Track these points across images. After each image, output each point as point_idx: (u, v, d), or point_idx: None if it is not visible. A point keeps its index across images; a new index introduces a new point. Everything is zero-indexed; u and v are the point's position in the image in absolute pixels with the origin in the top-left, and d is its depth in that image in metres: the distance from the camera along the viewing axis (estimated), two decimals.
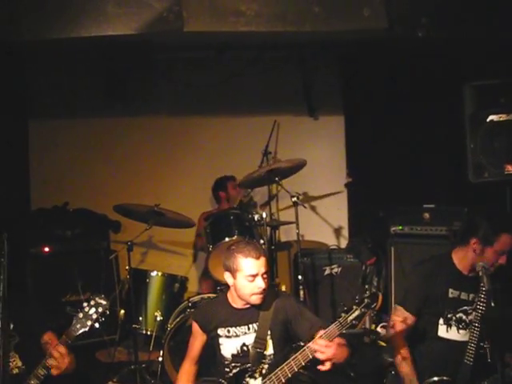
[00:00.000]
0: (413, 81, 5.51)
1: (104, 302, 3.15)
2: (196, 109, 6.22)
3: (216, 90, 6.09)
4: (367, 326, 5.42)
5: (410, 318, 3.42)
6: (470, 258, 3.40)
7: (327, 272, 5.61)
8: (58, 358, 3.06)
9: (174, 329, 4.39)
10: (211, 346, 3.40)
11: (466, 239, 3.42)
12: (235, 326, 3.28)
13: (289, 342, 3.32)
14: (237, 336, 3.28)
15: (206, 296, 4.63)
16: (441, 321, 3.43)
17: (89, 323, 3.11)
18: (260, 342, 3.22)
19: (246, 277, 3.15)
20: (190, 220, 5.02)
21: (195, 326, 3.41)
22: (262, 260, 3.17)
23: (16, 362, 3.28)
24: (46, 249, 5.24)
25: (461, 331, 3.41)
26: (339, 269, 5.60)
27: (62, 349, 3.07)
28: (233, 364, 3.27)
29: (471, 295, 3.40)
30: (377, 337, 5.38)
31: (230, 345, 3.29)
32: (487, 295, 3.16)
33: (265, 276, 3.18)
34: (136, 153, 6.20)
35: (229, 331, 3.29)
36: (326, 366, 2.96)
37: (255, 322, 3.26)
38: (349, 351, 3.07)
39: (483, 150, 4.36)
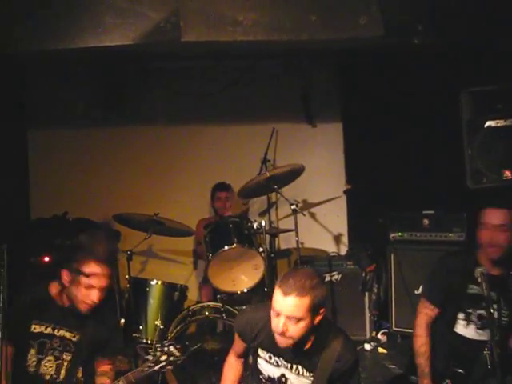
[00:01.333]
0: (410, 88, 5.53)
1: (178, 355, 3.17)
2: (194, 118, 6.24)
3: (214, 98, 6.11)
4: (368, 329, 5.43)
5: (433, 310, 3.46)
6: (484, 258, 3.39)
7: (327, 279, 5.60)
8: None
9: (174, 337, 4.39)
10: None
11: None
12: (278, 357, 2.91)
13: None
14: (277, 366, 2.93)
15: (205, 305, 4.64)
16: (460, 315, 3.42)
17: (156, 368, 3.14)
18: None
19: (272, 308, 2.76)
20: (189, 228, 5.02)
21: (236, 335, 3.10)
22: (291, 300, 2.66)
23: (78, 373, 3.27)
24: (46, 258, 5.23)
25: (479, 331, 3.38)
26: (339, 276, 5.60)
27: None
28: (269, 383, 2.99)
29: (493, 293, 3.25)
30: (377, 344, 5.39)
31: (267, 368, 2.97)
32: (487, 302, 3.15)
33: (290, 323, 2.69)
34: (135, 162, 6.21)
35: (270, 357, 2.95)
36: None
37: (301, 365, 2.86)
38: None
39: (481, 155, 4.37)
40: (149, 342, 4.60)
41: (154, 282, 4.76)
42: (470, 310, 3.40)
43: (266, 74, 6.15)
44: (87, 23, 4.11)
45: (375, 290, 5.58)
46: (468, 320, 3.41)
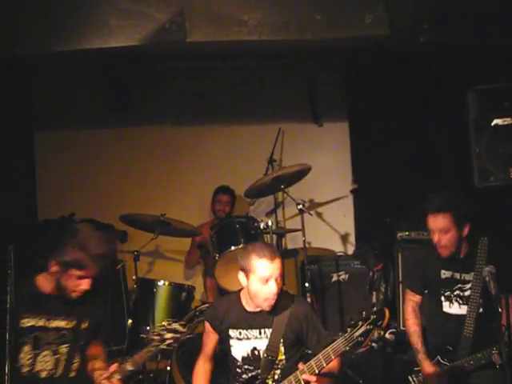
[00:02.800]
0: (416, 86, 5.51)
1: (183, 330, 3.20)
2: (200, 118, 6.24)
3: (220, 99, 6.11)
4: (375, 333, 5.40)
5: (414, 296, 3.85)
6: None
7: (334, 279, 5.60)
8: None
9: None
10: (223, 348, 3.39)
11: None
12: (247, 329, 3.25)
13: (300, 347, 3.29)
14: (248, 339, 3.24)
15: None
16: (442, 298, 3.71)
17: (162, 346, 3.15)
18: (272, 349, 3.20)
19: (259, 279, 3.10)
20: (195, 229, 5.04)
21: (207, 325, 3.40)
22: (277, 262, 3.12)
23: (77, 364, 3.27)
24: None
25: (462, 306, 3.64)
26: (346, 275, 5.59)
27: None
28: (245, 366, 3.26)
29: (463, 275, 3.64)
30: (385, 343, 5.37)
31: (240, 347, 3.27)
32: (494, 301, 3.16)
33: (279, 280, 3.14)
34: (141, 163, 6.22)
35: (240, 333, 3.25)
36: None
37: (268, 328, 3.21)
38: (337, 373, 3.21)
39: (488, 154, 4.35)
40: None
41: (161, 283, 4.77)
42: (447, 293, 3.69)
43: (272, 73, 6.15)
44: (93, 25, 4.14)
45: (382, 290, 5.55)
46: (450, 300, 3.68)
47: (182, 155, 6.31)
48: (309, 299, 4.81)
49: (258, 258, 3.11)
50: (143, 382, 4.48)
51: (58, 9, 4.13)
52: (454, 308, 3.67)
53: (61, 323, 3.21)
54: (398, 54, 5.29)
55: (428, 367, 3.59)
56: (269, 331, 3.21)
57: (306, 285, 4.87)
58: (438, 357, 3.59)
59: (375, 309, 3.14)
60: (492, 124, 4.34)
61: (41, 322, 3.18)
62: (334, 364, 3.12)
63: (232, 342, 3.28)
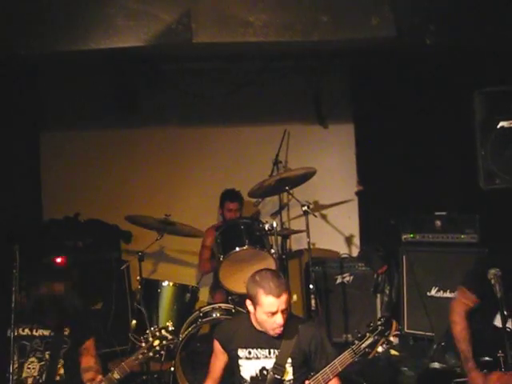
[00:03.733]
0: (422, 88, 5.50)
1: (170, 337, 3.21)
2: (206, 119, 6.24)
3: (226, 100, 6.10)
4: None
5: (471, 300, 3.50)
6: None
7: (339, 281, 5.60)
8: None
9: (185, 339, 4.40)
10: (230, 367, 3.40)
11: None
12: (256, 348, 3.28)
13: (309, 368, 3.30)
14: (257, 358, 3.27)
15: (217, 306, 4.64)
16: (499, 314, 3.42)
17: (150, 354, 3.14)
18: (279, 368, 3.22)
19: (265, 313, 3.15)
20: (199, 232, 5.05)
21: (216, 345, 3.41)
22: (284, 298, 3.15)
23: (59, 369, 3.28)
24: (58, 259, 5.25)
25: None
26: (351, 277, 5.58)
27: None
28: None
29: None
30: (389, 346, 5.35)
31: (249, 367, 3.29)
32: (500, 303, 3.14)
33: (284, 312, 3.17)
34: (146, 163, 6.22)
35: (250, 353, 3.28)
36: None
37: (277, 349, 3.25)
38: None
39: (494, 156, 4.33)
40: None
41: (165, 284, 4.76)
42: (507, 314, 3.37)
43: (278, 75, 6.13)
44: (99, 25, 4.14)
45: (387, 292, 5.55)
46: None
47: (187, 156, 6.31)
48: (313, 301, 4.81)
49: (264, 295, 3.14)
50: (147, 383, 4.48)
51: (64, 9, 4.14)
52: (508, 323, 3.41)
53: (45, 332, 3.26)
54: (404, 56, 5.28)
55: (477, 377, 3.33)
56: (278, 351, 3.25)
57: (311, 286, 4.86)
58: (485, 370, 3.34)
59: (382, 319, 3.11)
60: (498, 126, 4.33)
61: (26, 331, 3.23)
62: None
63: (241, 361, 3.30)
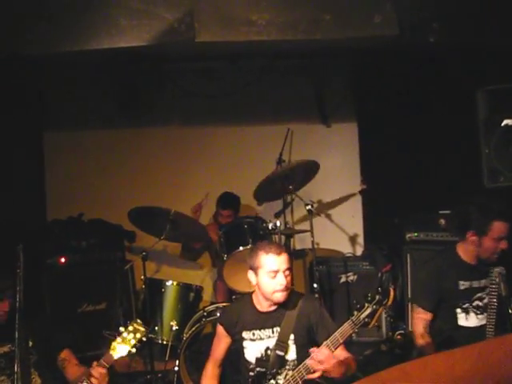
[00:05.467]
0: (425, 86, 5.49)
1: (142, 329, 3.18)
2: (209, 119, 6.24)
3: (229, 99, 6.11)
4: (384, 330, 5.39)
5: (426, 314, 3.61)
6: (471, 250, 3.54)
7: (343, 280, 5.59)
8: (100, 378, 3.08)
9: (189, 338, 4.41)
10: (235, 351, 3.42)
11: (462, 233, 3.58)
12: (260, 329, 3.31)
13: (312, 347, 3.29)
14: (261, 339, 3.30)
15: (221, 305, 4.64)
16: (458, 310, 3.57)
17: (126, 349, 3.13)
18: (281, 344, 3.25)
19: (268, 273, 3.20)
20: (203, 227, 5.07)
21: (220, 329, 3.44)
22: (284, 256, 3.23)
23: (36, 380, 3.28)
24: (62, 260, 5.26)
25: (479, 316, 3.54)
26: (355, 276, 5.58)
27: (103, 370, 3.09)
28: (257, 368, 3.29)
29: (482, 281, 3.55)
30: (394, 345, 5.35)
31: (254, 348, 3.32)
32: (505, 301, 3.15)
33: (287, 273, 3.23)
34: (149, 163, 6.23)
35: (253, 334, 3.32)
36: (315, 374, 3.04)
37: (279, 326, 3.28)
38: (351, 370, 3.17)
39: (498, 154, 4.33)
40: (164, 342, 4.61)
41: (169, 283, 4.77)
42: (465, 305, 3.56)
43: (281, 74, 6.14)
44: (102, 25, 4.15)
45: None
46: (466, 312, 3.56)
47: (191, 156, 6.31)
48: None
49: (265, 254, 3.24)
50: (151, 383, 4.48)
51: (67, 9, 4.15)
52: (471, 320, 3.56)
53: (4, 349, 3.24)
54: (407, 54, 5.27)
55: None
56: (279, 328, 3.28)
57: (315, 286, 4.86)
58: None
59: (379, 289, 3.13)
60: (502, 124, 4.32)
61: None
62: (351, 362, 3.19)
63: (245, 343, 3.33)
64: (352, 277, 5.58)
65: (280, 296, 3.22)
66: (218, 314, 4.43)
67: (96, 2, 4.14)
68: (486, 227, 3.44)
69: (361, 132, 6.37)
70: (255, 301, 3.36)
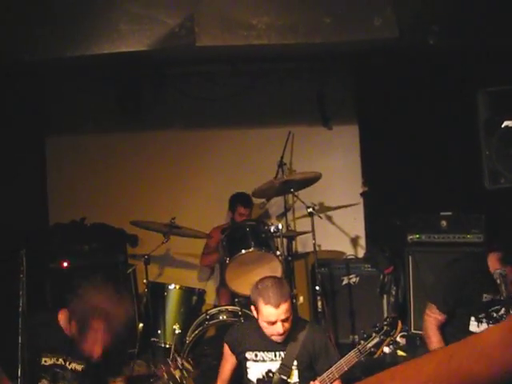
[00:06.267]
0: (426, 88, 5.50)
1: (192, 370, 3.22)
2: (210, 122, 6.25)
3: (229, 102, 6.12)
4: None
5: (442, 315, 3.59)
6: (498, 265, 3.44)
7: (345, 282, 5.59)
8: None
9: (192, 341, 4.41)
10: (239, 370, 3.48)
11: (497, 245, 3.54)
12: (263, 351, 3.36)
13: (313, 373, 3.33)
14: (263, 361, 3.36)
15: (223, 309, 4.64)
16: (473, 319, 3.55)
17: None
18: (285, 369, 3.29)
19: (266, 321, 3.23)
20: (204, 235, 5.07)
21: (226, 348, 3.50)
22: (283, 308, 3.18)
23: None
24: (65, 264, 5.27)
25: (491, 325, 3.49)
26: (357, 278, 5.58)
27: None
28: None
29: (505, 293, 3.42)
30: (396, 346, 5.35)
31: (256, 369, 3.37)
32: (506, 303, 3.15)
33: (285, 321, 3.22)
34: (151, 167, 6.24)
35: (256, 355, 3.37)
36: None
37: (283, 351, 3.32)
38: None
39: (499, 156, 4.32)
40: (167, 346, 4.62)
41: (171, 287, 4.78)
42: (481, 315, 3.54)
43: (281, 77, 6.15)
44: (103, 30, 4.17)
45: (393, 293, 5.54)
46: (479, 321, 3.55)
47: (192, 159, 6.32)
48: (319, 302, 4.82)
49: (263, 304, 3.21)
50: None
51: (68, 14, 4.17)
52: (482, 328, 3.54)
53: (77, 367, 3.25)
54: (407, 57, 5.27)
55: None
56: (283, 353, 3.32)
57: (317, 288, 4.86)
58: None
59: (388, 319, 3.13)
60: (503, 126, 4.32)
61: (60, 361, 3.22)
62: None
63: (248, 364, 3.38)
64: (354, 279, 5.58)
65: (277, 339, 3.26)
66: (221, 318, 4.46)
67: (97, 7, 4.16)
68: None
69: (362, 134, 6.36)
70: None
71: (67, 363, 3.22)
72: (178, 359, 3.24)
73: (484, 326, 3.53)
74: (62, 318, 3.26)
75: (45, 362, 3.19)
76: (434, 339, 3.56)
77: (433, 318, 3.62)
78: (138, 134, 6.21)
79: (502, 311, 3.45)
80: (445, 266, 4.03)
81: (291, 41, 4.24)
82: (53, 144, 6.19)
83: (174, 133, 6.32)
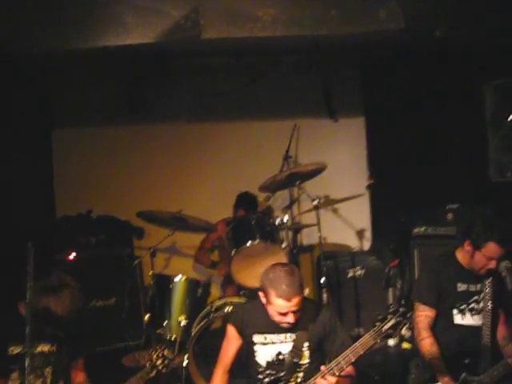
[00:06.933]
0: (432, 81, 5.48)
1: (171, 356, 3.27)
2: (216, 115, 6.25)
3: (235, 95, 6.11)
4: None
5: (431, 311, 3.60)
6: (466, 258, 3.56)
7: (350, 275, 5.60)
8: None
9: (198, 333, 4.43)
10: (245, 352, 3.38)
11: (462, 240, 3.58)
12: (272, 334, 3.25)
13: (323, 352, 3.30)
14: (273, 343, 3.26)
15: (228, 301, 4.66)
16: (455, 311, 3.59)
17: (153, 374, 3.23)
18: (297, 352, 3.21)
19: (276, 311, 3.13)
20: (211, 225, 5.07)
21: (231, 330, 3.37)
22: (295, 301, 3.08)
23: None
24: (71, 256, 5.29)
25: (474, 317, 3.57)
26: (362, 271, 5.58)
27: None
28: (267, 371, 3.27)
29: (478, 285, 3.57)
30: (401, 339, 5.35)
31: (265, 352, 3.27)
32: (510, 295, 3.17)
33: (296, 312, 3.12)
34: (157, 160, 6.25)
35: (265, 338, 3.26)
36: None
37: (293, 333, 3.23)
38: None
39: (505, 148, 4.33)
40: (173, 338, 4.63)
41: (177, 279, 4.78)
42: (462, 307, 3.58)
43: (287, 69, 6.14)
44: (109, 23, 4.18)
45: (399, 286, 5.53)
46: (462, 313, 3.59)
47: (198, 152, 6.32)
48: (324, 295, 4.82)
49: (275, 297, 3.09)
50: (159, 378, 4.51)
51: (74, 7, 4.17)
52: (466, 319, 3.59)
53: (44, 348, 3.27)
54: (414, 49, 5.26)
55: None
56: (294, 335, 3.23)
57: (322, 280, 4.86)
58: (465, 374, 3.40)
59: (403, 301, 3.12)
60: (509, 119, 4.31)
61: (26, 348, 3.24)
62: (349, 370, 3.11)
63: (256, 347, 3.28)
64: (359, 271, 5.58)
65: (285, 326, 3.18)
66: (226, 310, 4.46)
67: (103, 1, 4.16)
68: (481, 244, 3.43)
69: (368, 126, 6.36)
70: None
71: (33, 348, 3.20)
72: (158, 348, 3.27)
73: (468, 316, 3.56)
74: (22, 307, 3.26)
75: (11, 351, 3.20)
76: (428, 338, 3.55)
77: (424, 316, 3.60)
78: (144, 126, 6.21)
79: (482, 303, 3.51)
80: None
81: (297, 33, 4.23)
82: (59, 137, 6.20)
83: (179, 126, 6.32)
